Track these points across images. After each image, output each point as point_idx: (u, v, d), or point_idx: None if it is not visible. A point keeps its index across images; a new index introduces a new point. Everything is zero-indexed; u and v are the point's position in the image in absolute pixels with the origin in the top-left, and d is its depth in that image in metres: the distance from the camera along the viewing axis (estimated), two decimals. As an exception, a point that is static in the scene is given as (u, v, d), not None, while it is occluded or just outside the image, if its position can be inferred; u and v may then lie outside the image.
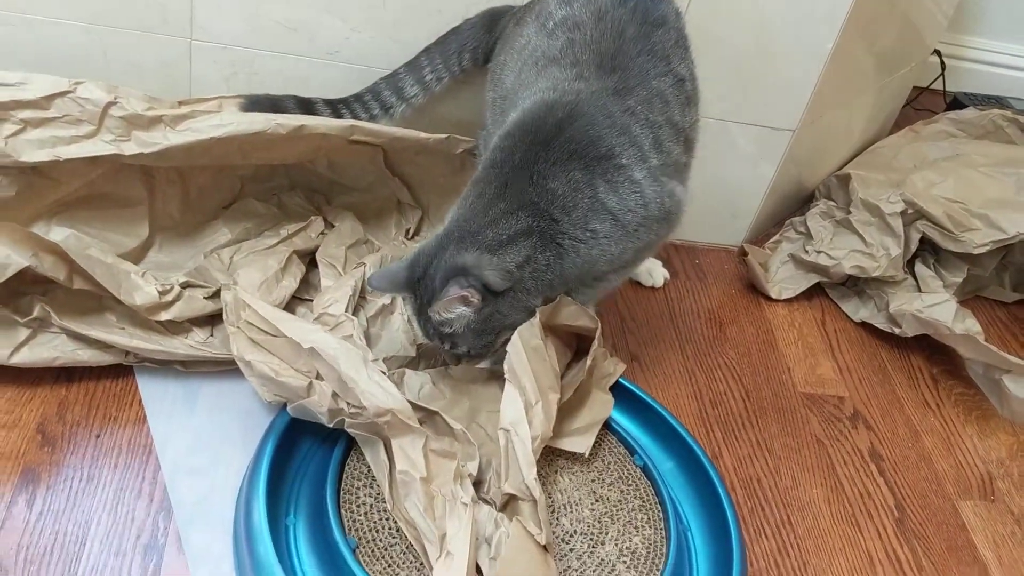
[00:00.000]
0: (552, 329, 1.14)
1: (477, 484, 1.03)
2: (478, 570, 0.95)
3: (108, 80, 1.19)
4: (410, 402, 1.04)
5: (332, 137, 1.27)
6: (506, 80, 1.25)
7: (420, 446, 1.00)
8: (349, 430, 1.05)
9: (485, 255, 1.05)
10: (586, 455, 1.14)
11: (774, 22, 1.43)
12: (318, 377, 1.07)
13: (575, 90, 1.11)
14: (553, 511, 1.08)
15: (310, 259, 1.35)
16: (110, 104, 1.18)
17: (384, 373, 1.05)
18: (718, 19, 1.41)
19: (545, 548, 0.96)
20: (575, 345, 1.20)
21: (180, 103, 1.25)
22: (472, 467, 1.02)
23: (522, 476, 0.99)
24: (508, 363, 1.06)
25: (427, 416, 1.07)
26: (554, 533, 1.06)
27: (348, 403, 1.03)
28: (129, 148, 1.19)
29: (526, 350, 1.06)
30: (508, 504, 1.01)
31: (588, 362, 1.15)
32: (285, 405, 1.09)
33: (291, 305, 1.28)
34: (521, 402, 1.03)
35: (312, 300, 1.28)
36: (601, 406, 1.19)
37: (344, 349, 1.06)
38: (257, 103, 1.29)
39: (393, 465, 1.00)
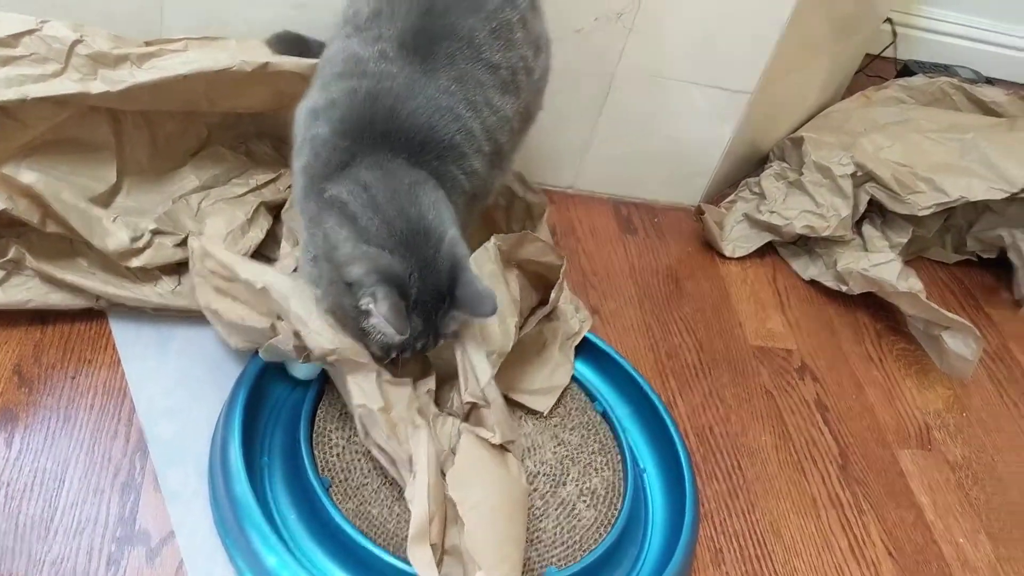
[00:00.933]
0: (518, 265, 1.17)
1: (440, 405, 1.08)
2: None
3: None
4: None
5: (297, 79, 1.28)
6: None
7: (373, 379, 1.01)
8: (316, 362, 1.07)
9: (457, 237, 1.02)
10: (545, 414, 1.19)
11: (736, -14, 1.47)
12: (279, 318, 1.09)
13: (386, 74, 1.05)
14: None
15: (277, 212, 1.36)
16: (76, 42, 1.17)
17: None
18: (681, -18, 1.45)
19: (503, 448, 1.00)
20: (542, 292, 1.24)
21: (147, 43, 1.25)
22: (430, 381, 1.05)
23: (478, 382, 1.03)
24: None
25: None
26: (518, 474, 1.11)
27: None
28: (96, 87, 1.18)
29: (481, 275, 1.08)
30: (471, 412, 1.05)
31: (553, 296, 1.19)
32: (256, 352, 1.12)
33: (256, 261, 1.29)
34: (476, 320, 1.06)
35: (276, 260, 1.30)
36: (562, 372, 1.24)
37: (296, 288, 1.06)
38: (283, 41, 1.30)
39: (353, 399, 1.03)
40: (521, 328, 1.17)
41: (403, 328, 0.96)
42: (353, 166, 1.02)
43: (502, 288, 1.12)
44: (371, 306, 0.96)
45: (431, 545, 0.92)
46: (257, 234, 1.30)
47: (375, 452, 1.03)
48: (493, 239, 1.13)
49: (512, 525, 0.97)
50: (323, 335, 1.02)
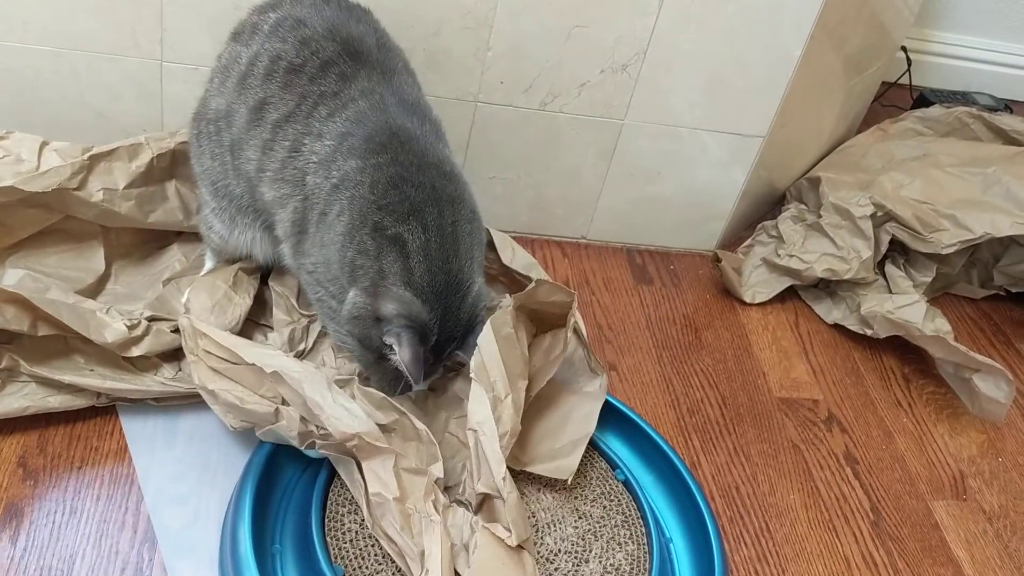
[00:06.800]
0: (528, 315, 1.14)
1: (451, 487, 1.04)
2: None
3: (83, 102, 1.19)
4: (381, 399, 1.04)
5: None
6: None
7: (391, 466, 1.00)
8: (321, 451, 1.05)
9: (482, 286, 1.11)
10: (568, 482, 1.13)
11: (742, 32, 1.44)
12: (283, 402, 1.06)
13: (364, 91, 1.11)
14: (537, 530, 1.10)
15: (262, 274, 1.32)
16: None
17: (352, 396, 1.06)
18: (688, 30, 1.42)
19: (520, 547, 0.96)
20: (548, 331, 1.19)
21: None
22: (437, 469, 1.01)
23: (492, 475, 0.99)
24: (477, 358, 1.05)
25: (395, 421, 1.06)
26: (539, 552, 1.07)
27: (317, 426, 1.03)
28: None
29: (497, 339, 1.05)
30: (484, 503, 1.01)
31: (567, 334, 1.14)
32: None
33: (248, 329, 1.26)
34: (489, 399, 1.03)
35: (267, 325, 1.28)
36: (583, 419, 1.17)
37: (307, 372, 1.05)
38: None
39: (368, 486, 1.00)
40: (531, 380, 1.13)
41: (418, 376, 1.03)
42: (415, 202, 1.05)
43: (515, 350, 1.08)
44: (395, 346, 1.03)
45: None
46: (245, 299, 1.26)
47: (384, 542, 1.00)
48: (509, 299, 1.11)
49: None
50: (342, 420, 1.01)
